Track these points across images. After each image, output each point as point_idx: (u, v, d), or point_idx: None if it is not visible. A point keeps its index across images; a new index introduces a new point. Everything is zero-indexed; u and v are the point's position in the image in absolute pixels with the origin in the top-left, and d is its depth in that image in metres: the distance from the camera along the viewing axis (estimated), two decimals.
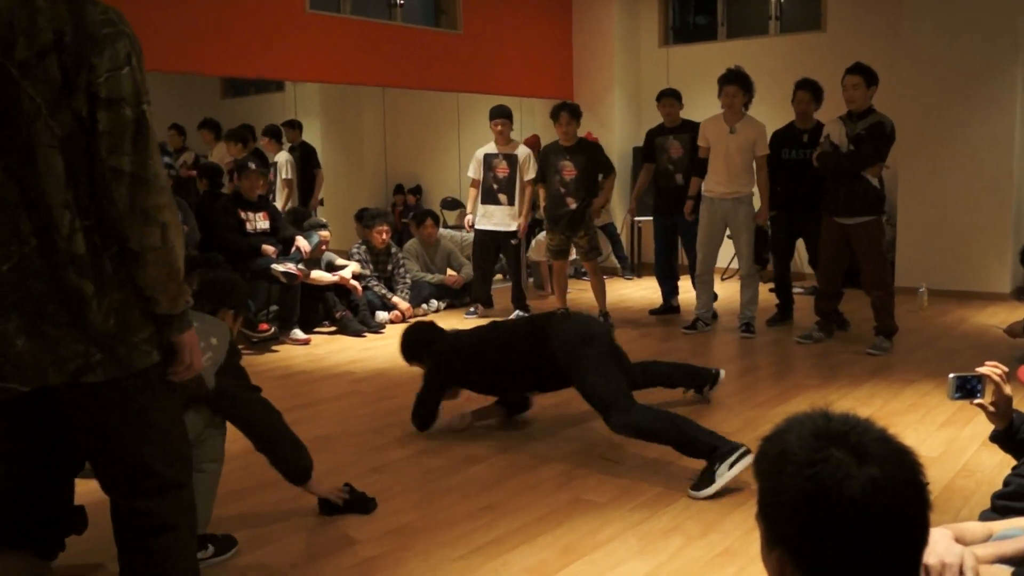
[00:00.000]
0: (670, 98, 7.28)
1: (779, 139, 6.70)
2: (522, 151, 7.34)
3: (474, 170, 7.48)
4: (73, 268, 1.83)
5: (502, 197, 7.33)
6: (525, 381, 4.25)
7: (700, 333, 6.69)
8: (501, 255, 7.65)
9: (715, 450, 3.49)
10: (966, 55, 7.92)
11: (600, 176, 6.94)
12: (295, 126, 9.63)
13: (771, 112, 6.91)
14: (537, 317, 4.45)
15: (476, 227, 7.46)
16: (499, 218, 7.36)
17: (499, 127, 7.25)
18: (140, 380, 1.95)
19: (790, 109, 6.82)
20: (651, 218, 7.72)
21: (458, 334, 4.47)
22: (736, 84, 6.36)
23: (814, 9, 9.28)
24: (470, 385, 4.37)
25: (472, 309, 7.60)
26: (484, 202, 7.40)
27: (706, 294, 6.75)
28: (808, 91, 6.65)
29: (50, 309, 1.83)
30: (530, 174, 7.22)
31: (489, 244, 7.46)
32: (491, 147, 7.40)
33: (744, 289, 6.62)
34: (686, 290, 7.25)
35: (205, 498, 2.95)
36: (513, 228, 7.35)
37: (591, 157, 6.84)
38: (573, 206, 6.79)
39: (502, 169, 7.31)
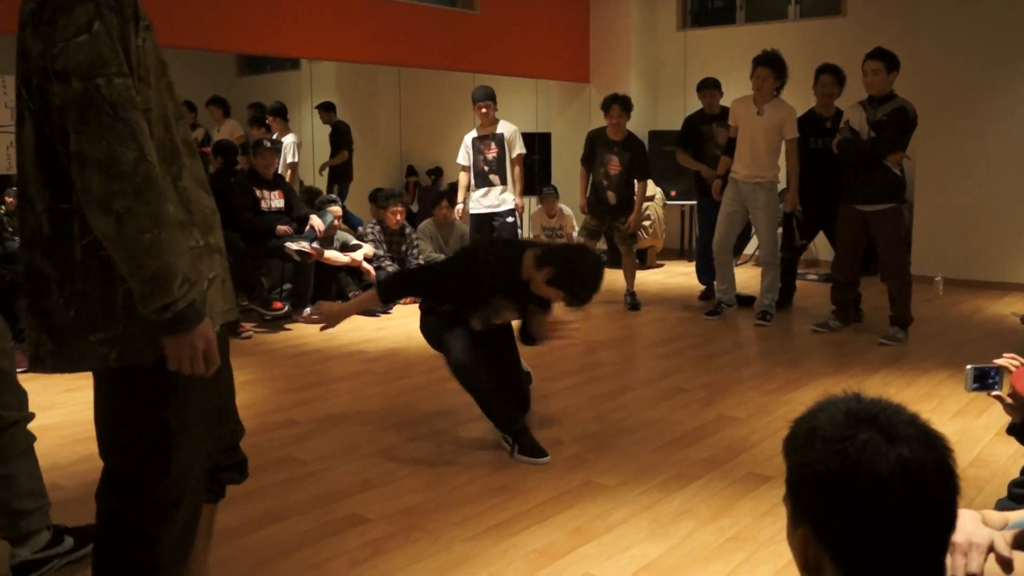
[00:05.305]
0: (711, 88, 7.33)
1: (801, 128, 6.44)
2: (507, 127, 7.18)
3: (463, 157, 7.26)
4: (40, 249, 1.72)
5: (494, 178, 7.19)
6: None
7: (722, 317, 6.66)
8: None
9: (518, 436, 3.77)
10: (989, 40, 7.82)
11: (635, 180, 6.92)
12: (329, 108, 9.77)
13: (789, 98, 6.83)
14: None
15: (471, 212, 7.31)
16: (492, 198, 7.22)
17: (483, 109, 7.06)
18: (119, 376, 1.80)
19: (808, 95, 6.74)
20: (695, 202, 7.86)
21: None
22: (769, 67, 6.29)
23: None
24: None
25: None
26: (478, 186, 7.23)
27: (726, 276, 6.69)
28: (832, 75, 6.54)
29: (24, 288, 1.75)
30: (518, 149, 7.15)
31: (484, 225, 7.29)
32: (475, 132, 7.25)
33: (762, 276, 6.57)
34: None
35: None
36: (506, 207, 7.20)
37: (634, 155, 6.85)
38: (613, 201, 6.83)
39: (491, 150, 7.17)
